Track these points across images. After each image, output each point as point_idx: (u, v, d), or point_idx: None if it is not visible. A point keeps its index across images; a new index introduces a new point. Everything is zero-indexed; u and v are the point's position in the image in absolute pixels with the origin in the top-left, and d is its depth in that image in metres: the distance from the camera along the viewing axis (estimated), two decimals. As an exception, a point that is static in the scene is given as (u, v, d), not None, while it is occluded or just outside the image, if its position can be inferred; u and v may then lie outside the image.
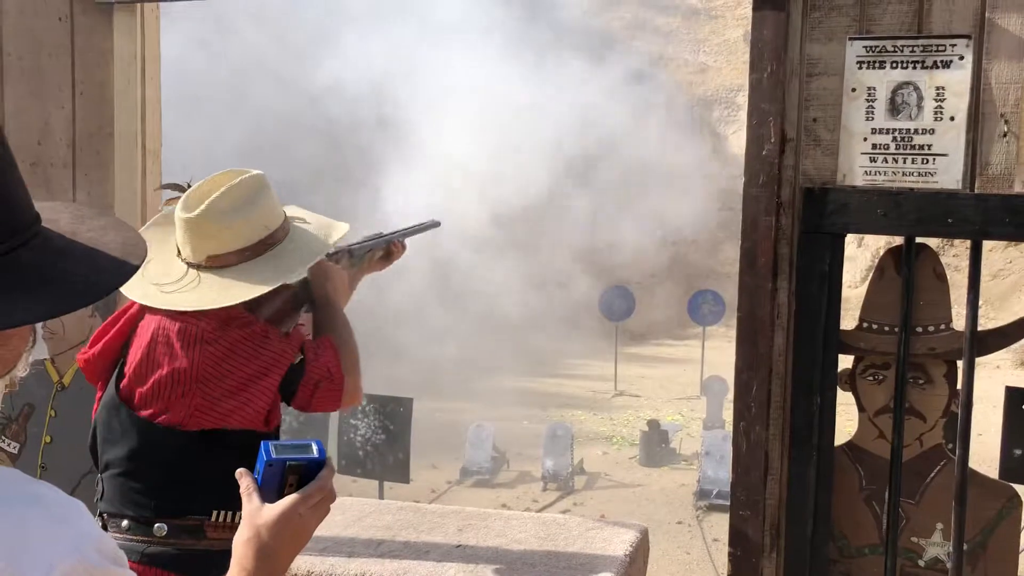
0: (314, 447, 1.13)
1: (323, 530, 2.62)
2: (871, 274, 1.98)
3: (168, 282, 1.68)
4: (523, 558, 2.39)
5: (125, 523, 1.71)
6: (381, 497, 5.73)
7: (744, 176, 1.95)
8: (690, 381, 12.88)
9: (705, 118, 23.18)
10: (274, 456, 1.10)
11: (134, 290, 1.71)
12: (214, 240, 1.67)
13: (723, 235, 21.56)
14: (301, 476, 1.11)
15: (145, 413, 1.67)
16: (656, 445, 8.16)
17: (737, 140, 22.63)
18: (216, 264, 1.68)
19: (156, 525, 1.69)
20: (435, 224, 2.38)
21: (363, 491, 5.43)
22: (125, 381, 1.71)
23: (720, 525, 6.30)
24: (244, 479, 1.11)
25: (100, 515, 1.75)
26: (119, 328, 1.76)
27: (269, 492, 1.10)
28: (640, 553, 2.57)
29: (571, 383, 13.23)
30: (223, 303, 1.64)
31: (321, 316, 1.86)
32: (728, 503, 5.92)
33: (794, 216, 1.91)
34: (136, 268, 0.91)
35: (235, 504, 1.84)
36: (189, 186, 1.74)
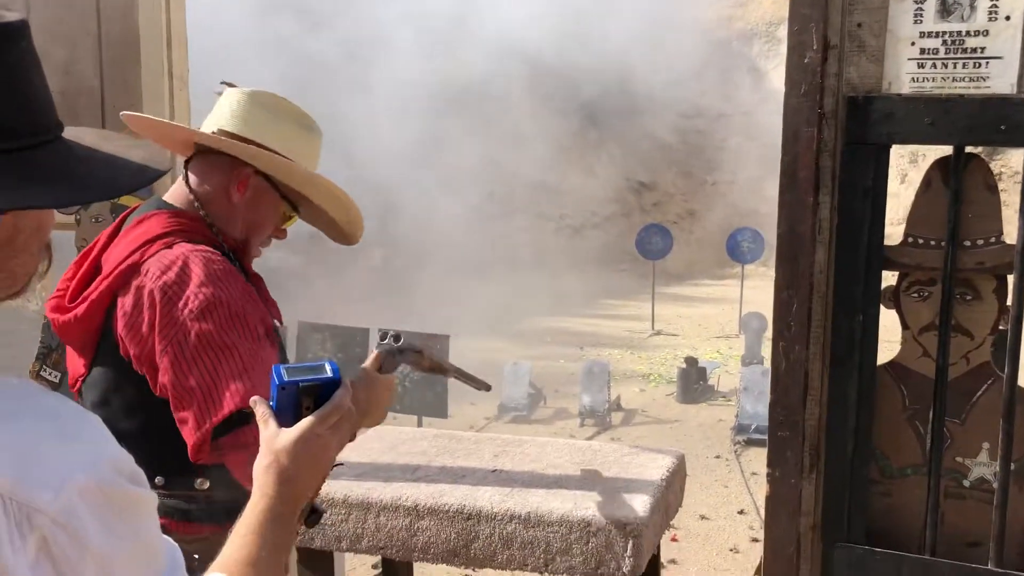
0: (327, 367, 1.09)
1: (360, 456, 2.64)
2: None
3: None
4: (559, 481, 2.38)
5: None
6: (419, 433, 5.78)
7: (784, 86, 1.88)
8: (728, 320, 12.80)
9: (745, 53, 22.64)
10: (286, 379, 1.07)
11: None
12: (239, 119, 1.62)
13: (762, 172, 21.21)
14: (317, 398, 1.08)
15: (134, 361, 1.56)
16: (694, 382, 8.14)
17: (777, 75, 22.10)
18: (233, 130, 1.62)
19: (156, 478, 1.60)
20: (485, 387, 2.27)
21: (401, 426, 5.48)
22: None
23: (758, 459, 6.29)
24: (259, 406, 1.09)
25: None
26: (108, 286, 1.57)
27: (285, 417, 1.07)
28: (677, 478, 2.55)
29: (608, 323, 13.21)
30: (217, 146, 1.59)
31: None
32: (766, 437, 5.90)
33: (837, 127, 1.83)
34: (158, 174, 0.89)
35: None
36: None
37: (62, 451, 0.76)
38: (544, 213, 18.69)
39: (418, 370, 1.97)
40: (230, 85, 1.73)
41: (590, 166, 18.82)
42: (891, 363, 1.91)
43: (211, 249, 1.58)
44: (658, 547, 2.42)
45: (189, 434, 1.44)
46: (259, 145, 1.61)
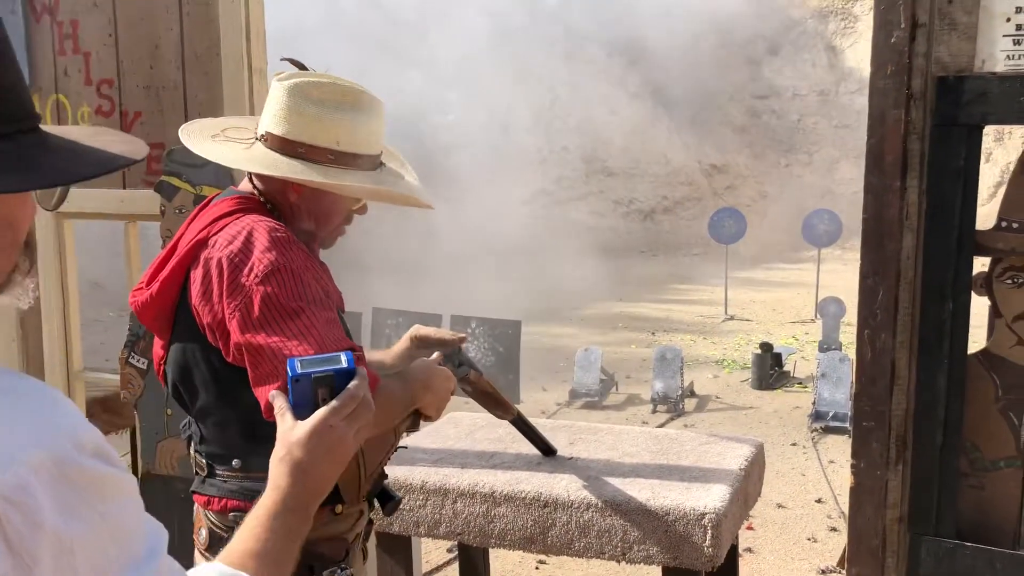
0: (343, 358, 1.09)
1: (436, 442, 2.67)
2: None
3: (229, 138, 1.61)
4: (635, 470, 2.37)
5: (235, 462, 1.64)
6: (492, 418, 5.80)
7: (871, 66, 1.82)
8: (804, 304, 12.55)
9: (820, 31, 22.07)
10: (299, 371, 1.07)
11: (185, 138, 1.63)
12: (277, 117, 1.58)
13: (838, 153, 20.69)
14: (332, 389, 1.07)
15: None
16: (769, 368, 8.00)
17: (853, 54, 21.50)
18: (269, 144, 1.59)
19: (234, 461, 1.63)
20: (551, 452, 2.45)
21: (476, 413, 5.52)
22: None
23: (836, 447, 6.16)
24: (278, 400, 1.08)
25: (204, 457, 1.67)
26: (179, 262, 1.60)
27: (302, 410, 1.06)
28: (756, 467, 2.52)
29: (680, 308, 13.07)
30: (240, 165, 1.56)
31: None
32: (844, 425, 5.77)
33: (926, 108, 1.77)
34: (123, 163, 0.86)
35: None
36: (312, 71, 1.67)
37: (14, 427, 0.72)
38: (615, 197, 18.56)
39: (473, 392, 2.03)
40: (296, 64, 1.71)
41: (661, 149, 18.60)
42: (983, 352, 1.85)
43: (276, 221, 1.61)
44: (736, 537, 2.39)
45: (262, 395, 1.47)
46: (309, 146, 1.57)
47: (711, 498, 2.15)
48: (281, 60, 1.74)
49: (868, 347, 1.85)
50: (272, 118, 1.60)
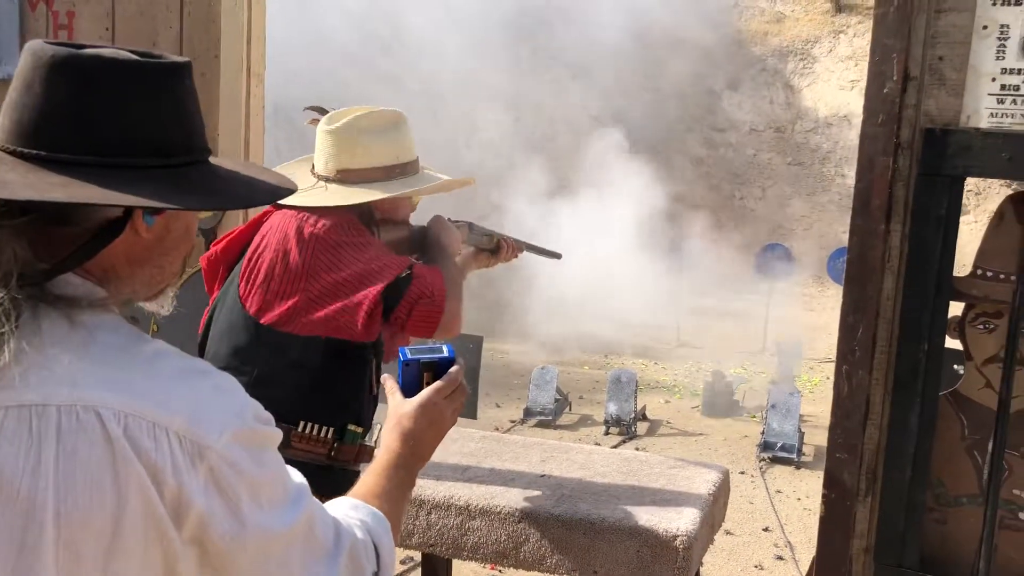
0: (444, 348, 1.30)
1: (409, 454, 2.69)
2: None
3: (299, 188, 1.77)
4: (608, 490, 2.42)
5: None
6: (447, 432, 5.81)
7: (863, 114, 1.91)
8: (754, 335, 12.77)
9: (780, 69, 22.56)
10: (410, 357, 1.28)
11: None
12: (348, 154, 1.76)
13: (791, 190, 21.13)
14: (435, 373, 1.28)
15: (254, 310, 1.74)
16: (720, 396, 8.14)
17: (810, 93, 22.01)
18: (345, 178, 1.77)
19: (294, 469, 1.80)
20: (556, 256, 2.53)
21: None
22: (243, 278, 1.79)
23: (783, 477, 6.28)
24: (388, 382, 1.29)
25: None
26: (243, 229, 1.85)
27: (409, 390, 1.27)
28: (722, 493, 2.59)
29: (632, 332, 13.20)
30: (344, 202, 1.74)
31: (432, 255, 1.91)
32: (792, 456, 5.89)
33: (912, 157, 1.86)
34: (288, 192, 1.07)
35: (321, 419, 1.93)
36: (332, 110, 1.83)
37: (219, 401, 0.96)
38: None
39: (488, 254, 2.23)
40: (319, 111, 1.87)
41: (623, 176, 18.81)
42: (952, 392, 1.93)
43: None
44: (702, 563, 2.45)
45: (362, 314, 1.72)
46: (383, 168, 1.83)
47: (683, 521, 2.21)
48: (305, 109, 1.94)
49: (845, 382, 1.93)
50: (341, 156, 1.83)
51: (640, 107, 18.56)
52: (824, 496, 1.98)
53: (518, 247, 2.25)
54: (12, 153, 0.93)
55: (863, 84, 1.95)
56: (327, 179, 1.81)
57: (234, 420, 0.96)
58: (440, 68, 15.38)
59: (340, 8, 14.14)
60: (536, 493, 2.38)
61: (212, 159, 1.06)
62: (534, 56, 17.60)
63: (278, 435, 1.02)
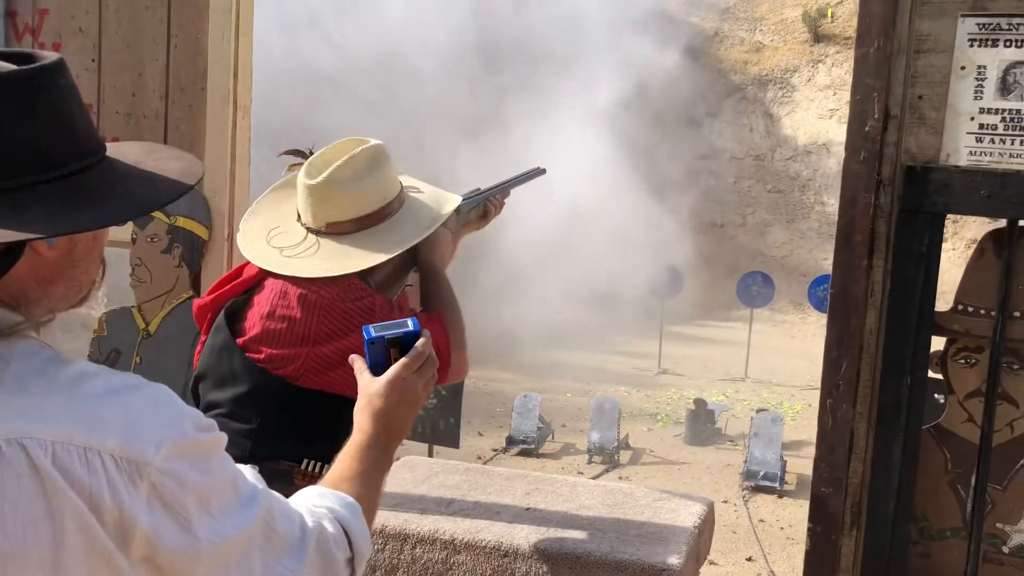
0: (409, 322, 1.28)
1: (393, 487, 2.67)
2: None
3: (288, 246, 1.74)
4: (593, 524, 2.41)
5: None
6: (429, 461, 5.79)
7: (845, 151, 1.93)
8: (735, 363, 12.82)
9: (760, 98, 22.84)
10: (373, 335, 1.26)
11: (255, 252, 1.77)
12: (335, 207, 1.73)
13: (771, 218, 21.33)
14: (402, 349, 1.27)
15: (260, 360, 1.72)
16: (702, 424, 8.15)
17: (790, 122, 22.30)
18: (335, 231, 1.76)
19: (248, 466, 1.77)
20: (540, 172, 2.30)
21: (412, 454, 5.50)
22: (244, 330, 1.75)
23: (766, 506, 6.29)
24: (356, 362, 1.28)
25: None
26: (240, 282, 1.81)
27: (377, 367, 1.26)
28: (707, 525, 2.58)
29: (615, 359, 13.23)
30: (341, 271, 1.71)
31: (428, 286, 1.90)
32: (774, 485, 5.91)
33: (894, 194, 1.89)
34: (189, 187, 1.01)
35: (325, 456, 1.92)
36: (311, 152, 1.80)
37: (154, 415, 0.93)
38: (554, 248, 18.77)
39: (476, 221, 2.15)
40: (297, 154, 1.85)
41: (601, 202, 18.93)
42: (935, 426, 1.95)
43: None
44: (689, 594, 2.44)
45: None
46: (376, 213, 1.79)
47: (669, 554, 2.21)
48: (280, 155, 1.90)
49: (830, 416, 1.94)
50: (327, 210, 1.77)
51: (622, 132, 18.69)
52: (810, 530, 1.99)
53: (503, 196, 2.17)
54: None
55: (842, 112, 1.99)
56: (318, 232, 1.77)
57: (171, 432, 0.92)
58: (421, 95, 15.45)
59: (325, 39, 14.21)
60: (522, 527, 2.37)
61: (111, 150, 0.99)
62: (517, 80, 17.72)
63: (222, 440, 0.99)
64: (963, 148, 1.84)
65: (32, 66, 0.90)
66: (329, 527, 1.10)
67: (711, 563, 5.15)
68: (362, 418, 1.24)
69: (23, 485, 0.86)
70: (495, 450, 7.61)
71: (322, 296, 1.72)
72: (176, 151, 1.08)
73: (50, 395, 0.89)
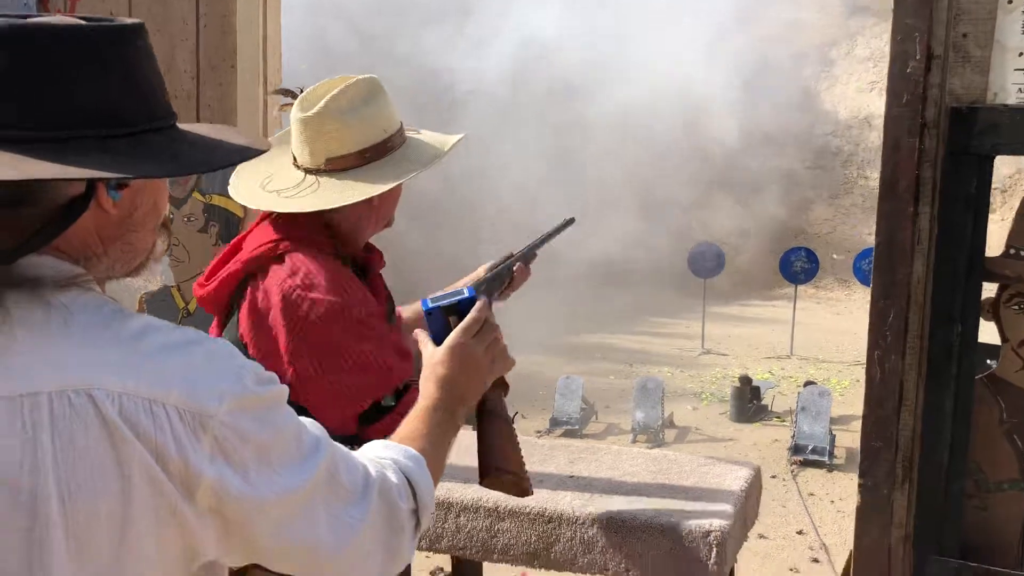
0: (465, 290, 1.32)
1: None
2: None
3: (285, 187, 1.65)
4: (638, 489, 2.39)
5: None
6: (473, 443, 5.77)
7: (886, 96, 1.88)
8: (780, 341, 12.66)
9: (796, 73, 22.48)
10: (430, 306, 1.31)
11: (250, 197, 1.70)
12: (334, 140, 1.63)
13: (813, 194, 21.00)
14: (460, 315, 1.30)
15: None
16: (747, 401, 8.06)
17: (830, 97, 21.91)
18: (335, 167, 1.64)
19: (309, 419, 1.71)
20: (570, 222, 2.12)
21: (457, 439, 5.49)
22: (243, 334, 1.66)
23: (815, 480, 6.20)
24: (420, 334, 1.32)
25: None
26: (233, 272, 1.69)
27: (438, 337, 1.29)
28: (754, 489, 2.55)
29: (657, 341, 13.13)
30: (344, 202, 1.62)
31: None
32: (823, 459, 5.80)
33: (939, 137, 1.83)
34: (257, 152, 1.04)
35: None
36: (302, 91, 1.72)
37: (215, 369, 0.94)
38: (592, 230, 18.69)
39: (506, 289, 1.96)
40: (287, 94, 1.78)
41: (639, 183, 18.79)
42: (989, 375, 1.89)
43: (331, 257, 1.66)
44: (736, 559, 2.41)
45: (331, 418, 1.50)
46: (373, 147, 1.66)
47: (716, 517, 2.17)
48: (272, 94, 1.82)
49: (877, 368, 1.89)
50: (326, 144, 1.66)
51: (655, 115, 18.52)
52: (860, 485, 1.94)
53: (530, 259, 2.00)
54: None
55: (882, 85, 1.93)
56: (316, 171, 1.64)
57: (233, 386, 0.93)
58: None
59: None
60: (565, 493, 2.36)
61: (182, 125, 1.01)
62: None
63: (283, 393, 0.99)
64: (1011, 86, 1.77)
65: (113, 23, 0.93)
66: (393, 477, 1.10)
67: (761, 536, 5.09)
68: (427, 385, 1.26)
69: (92, 436, 0.86)
70: (538, 432, 7.60)
71: (312, 313, 1.58)
72: (241, 132, 1.11)
73: (116, 348, 0.90)
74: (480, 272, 1.94)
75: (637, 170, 17.33)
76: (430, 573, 4.32)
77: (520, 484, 1.51)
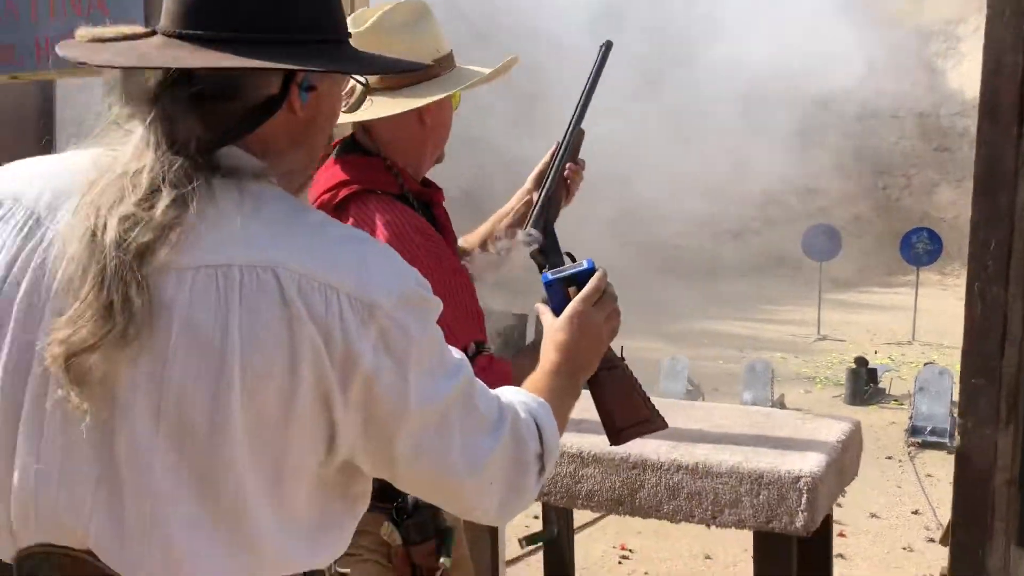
0: (584, 262, 1.37)
1: (525, 410, 2.67)
2: None
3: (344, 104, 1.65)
4: (727, 438, 2.33)
5: None
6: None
7: (987, 12, 1.77)
8: (900, 327, 12.15)
9: (920, 52, 21.48)
10: (550, 277, 1.36)
11: None
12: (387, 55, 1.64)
13: (938, 177, 20.05)
14: (579, 286, 1.33)
15: None
16: (863, 384, 7.77)
17: (956, 76, 20.85)
18: (387, 84, 1.63)
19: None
20: (607, 46, 1.81)
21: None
22: None
23: (934, 462, 5.92)
24: (541, 306, 1.37)
25: None
26: None
27: (559, 309, 1.33)
28: (853, 444, 2.45)
29: (770, 327, 12.79)
30: (397, 110, 1.61)
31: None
32: (944, 440, 5.54)
33: (1045, 52, 1.71)
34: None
35: None
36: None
37: (385, 265, 1.00)
38: (702, 218, 18.38)
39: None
40: None
41: (751, 168, 18.34)
42: (1103, 308, 1.76)
43: (399, 205, 1.66)
44: (831, 510, 2.32)
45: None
46: (427, 66, 1.62)
47: (807, 463, 2.10)
48: None
49: (979, 300, 1.79)
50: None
51: (774, 96, 18.04)
52: (959, 426, 1.84)
53: (577, 144, 1.78)
54: (178, 36, 0.99)
55: None
56: (370, 90, 1.61)
57: (401, 283, 0.98)
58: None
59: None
60: (651, 441, 2.31)
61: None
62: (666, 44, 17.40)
63: (439, 304, 1.04)
64: (1126, -9, 1.64)
65: None
66: (524, 415, 1.12)
67: (873, 516, 4.90)
68: (547, 351, 1.28)
69: (273, 310, 0.93)
70: (643, 412, 7.52)
71: None
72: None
73: (300, 234, 0.97)
74: (528, 184, 1.87)
75: (751, 151, 16.92)
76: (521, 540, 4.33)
77: (645, 429, 1.51)
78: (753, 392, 7.10)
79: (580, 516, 2.80)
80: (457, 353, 1.06)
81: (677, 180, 16.31)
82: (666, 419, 2.21)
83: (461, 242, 1.93)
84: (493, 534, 2.60)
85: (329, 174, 1.70)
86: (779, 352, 10.70)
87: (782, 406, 7.52)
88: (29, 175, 1.04)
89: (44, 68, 2.69)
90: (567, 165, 1.75)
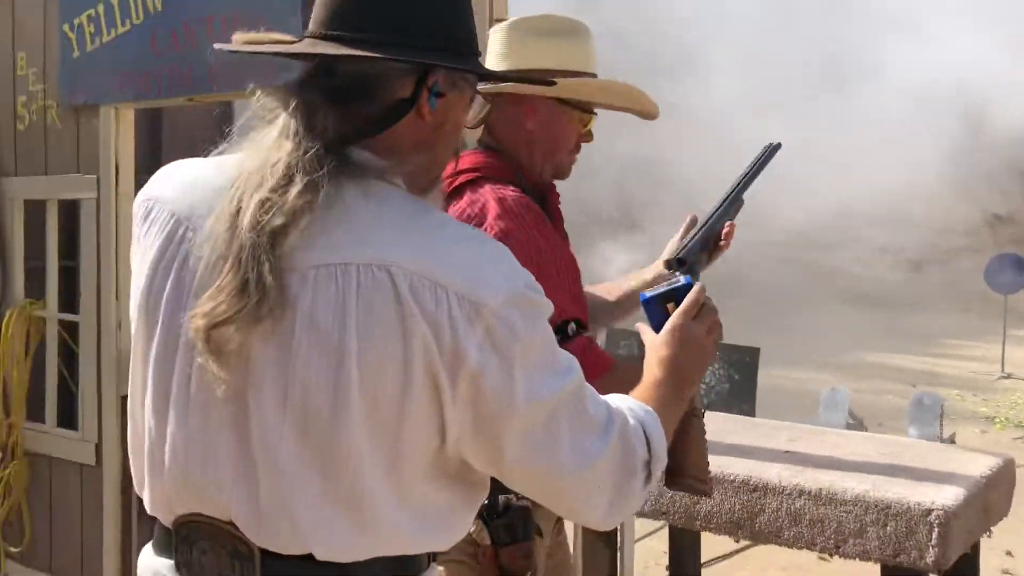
0: (681, 278, 1.36)
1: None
2: None
3: None
4: (857, 467, 2.21)
5: None
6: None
7: None
8: (1101, 366, 11.08)
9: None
10: (647, 295, 1.35)
11: None
12: (530, 52, 1.69)
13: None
14: (677, 301, 1.32)
15: None
16: (1050, 427, 7.13)
17: None
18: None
19: None
20: (776, 147, 1.81)
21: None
22: None
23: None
24: (641, 326, 1.35)
25: None
26: None
27: (659, 326, 1.32)
28: (1003, 480, 2.28)
29: (947, 363, 11.98)
30: (512, 89, 1.66)
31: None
32: None
33: None
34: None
35: None
36: None
37: (496, 266, 1.03)
38: (882, 245, 17.50)
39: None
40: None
41: (938, 196, 17.31)
42: None
43: (512, 187, 1.70)
44: (975, 547, 2.15)
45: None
46: (538, 71, 1.67)
47: (940, 496, 1.96)
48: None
49: None
50: (502, 57, 1.73)
51: (958, 118, 16.99)
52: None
53: (736, 209, 1.70)
54: (323, 37, 1.06)
55: None
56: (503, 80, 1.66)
57: (509, 284, 1.01)
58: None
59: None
60: (775, 466, 2.23)
61: None
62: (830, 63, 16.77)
63: (550, 306, 1.06)
64: None
65: None
66: (632, 421, 1.13)
67: (1008, 554, 4.49)
68: (650, 367, 1.27)
69: (388, 307, 0.98)
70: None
71: None
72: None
73: (417, 234, 1.02)
74: (663, 257, 1.86)
75: (920, 170, 15.97)
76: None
77: (699, 487, 1.43)
78: (919, 428, 6.67)
79: (716, 547, 2.72)
80: (568, 355, 1.07)
81: (855, 204, 15.63)
82: (798, 444, 2.12)
83: (588, 288, 1.92)
84: (612, 554, 2.57)
85: (449, 167, 1.78)
86: (955, 389, 10.01)
87: (952, 443, 7.03)
88: (172, 177, 1.13)
89: (222, 90, 2.83)
90: (728, 224, 1.66)
